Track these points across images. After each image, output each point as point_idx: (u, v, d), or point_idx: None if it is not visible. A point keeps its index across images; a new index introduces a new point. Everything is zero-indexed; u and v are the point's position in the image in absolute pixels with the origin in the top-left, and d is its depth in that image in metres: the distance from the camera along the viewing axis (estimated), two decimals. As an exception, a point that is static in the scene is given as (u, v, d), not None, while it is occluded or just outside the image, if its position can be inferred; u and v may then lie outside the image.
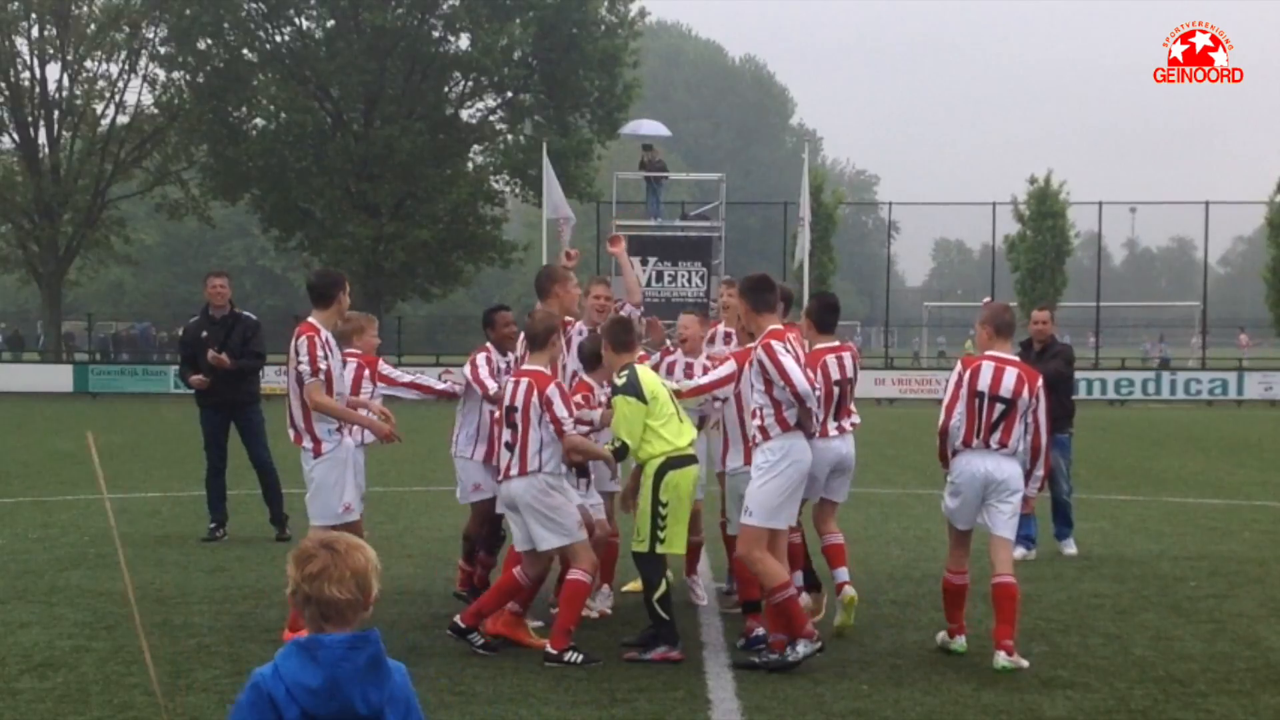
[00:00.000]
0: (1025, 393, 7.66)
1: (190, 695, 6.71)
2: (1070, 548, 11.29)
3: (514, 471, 7.60)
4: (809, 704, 6.63)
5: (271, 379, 12.31)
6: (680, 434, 7.63)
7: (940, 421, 7.87)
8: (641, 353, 8.18)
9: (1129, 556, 11.14)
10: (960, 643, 7.83)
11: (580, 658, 7.39)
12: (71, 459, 19.78)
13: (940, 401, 8.09)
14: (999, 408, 7.65)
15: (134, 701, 6.60)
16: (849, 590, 8.29)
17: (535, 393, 7.56)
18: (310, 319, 8.04)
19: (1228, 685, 7.01)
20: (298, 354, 7.86)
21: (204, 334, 11.96)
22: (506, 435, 7.68)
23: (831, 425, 8.23)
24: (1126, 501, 14.99)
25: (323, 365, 7.82)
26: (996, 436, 7.66)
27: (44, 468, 18.53)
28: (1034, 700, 6.71)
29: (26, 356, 53.09)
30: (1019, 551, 10.84)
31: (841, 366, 8.32)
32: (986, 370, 7.70)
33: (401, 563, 10.34)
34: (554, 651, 7.42)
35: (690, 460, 7.67)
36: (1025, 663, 7.40)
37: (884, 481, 16.52)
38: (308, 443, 7.94)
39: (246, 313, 12.18)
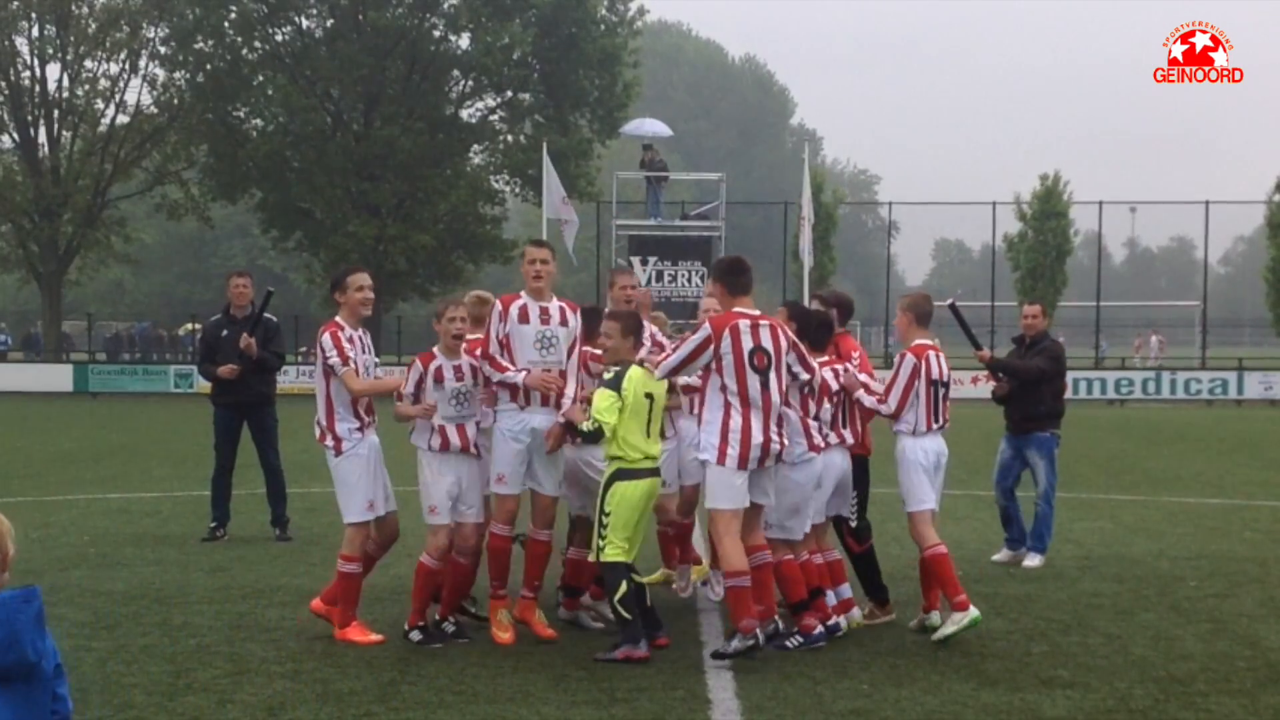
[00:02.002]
0: (949, 373, 8.50)
1: (190, 695, 6.71)
2: (1032, 561, 10.63)
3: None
4: (809, 704, 6.63)
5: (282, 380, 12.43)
6: (638, 447, 7.62)
7: (894, 408, 8.25)
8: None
9: (1129, 556, 11.13)
10: (975, 613, 7.89)
11: (419, 637, 7.87)
12: (72, 459, 19.80)
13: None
14: (942, 391, 8.38)
15: (134, 701, 6.60)
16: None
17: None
18: (336, 317, 8.32)
19: (1228, 685, 7.02)
20: (324, 350, 8.08)
21: (224, 333, 11.99)
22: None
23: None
24: (1126, 501, 14.99)
25: (350, 354, 8.06)
26: (941, 418, 8.38)
27: (44, 468, 18.53)
28: (1034, 700, 6.71)
29: (20, 356, 53.10)
30: (1036, 559, 10.74)
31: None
32: (933, 359, 8.33)
33: (402, 562, 10.32)
34: (407, 627, 7.98)
35: (644, 474, 7.65)
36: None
37: (886, 481, 16.50)
38: (329, 441, 8.14)
39: (269, 315, 12.11)
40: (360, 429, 8.12)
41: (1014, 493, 11.03)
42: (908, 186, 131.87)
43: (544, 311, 8.01)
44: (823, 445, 8.07)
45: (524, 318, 7.96)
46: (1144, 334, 59.08)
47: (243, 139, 45.43)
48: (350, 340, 8.11)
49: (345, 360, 8.03)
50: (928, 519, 8.22)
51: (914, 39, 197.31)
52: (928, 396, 8.26)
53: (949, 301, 10.47)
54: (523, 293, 8.10)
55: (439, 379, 7.98)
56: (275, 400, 12.41)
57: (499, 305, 8.04)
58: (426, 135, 44.06)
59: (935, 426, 8.31)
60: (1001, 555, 10.91)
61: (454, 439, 8.00)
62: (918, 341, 8.40)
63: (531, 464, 8.00)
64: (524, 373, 7.84)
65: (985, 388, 12.55)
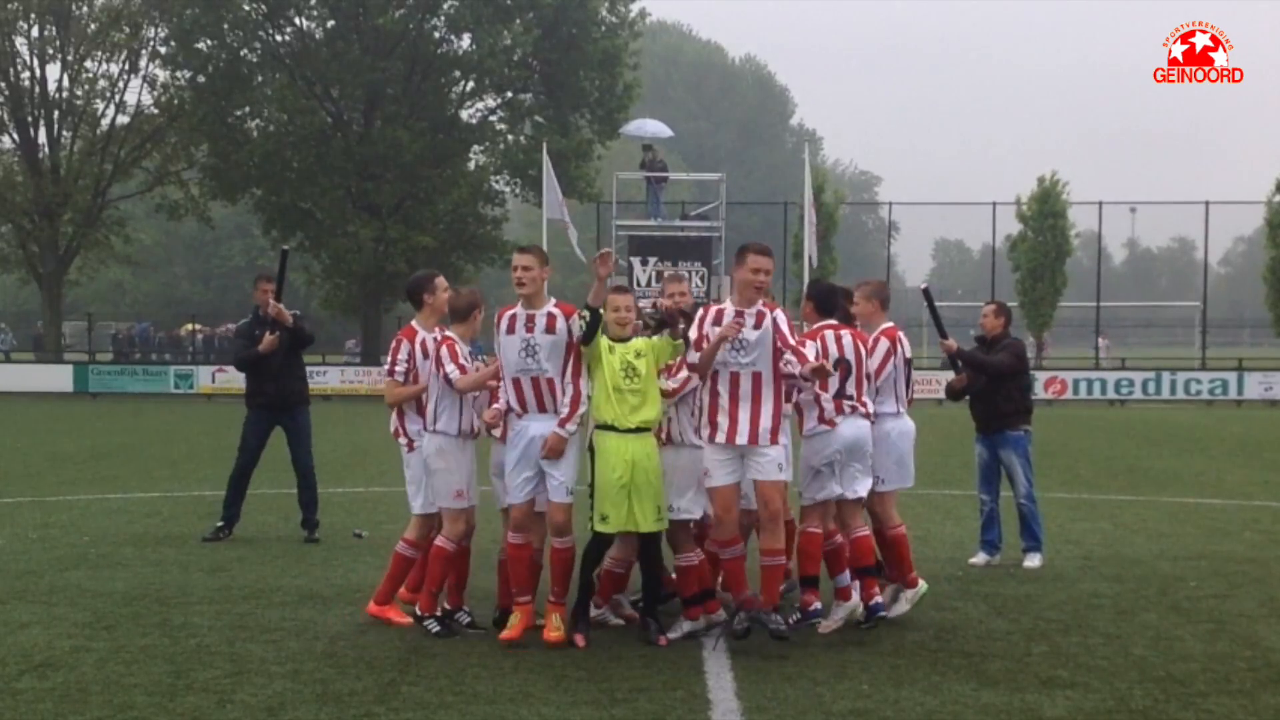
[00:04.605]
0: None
1: (190, 696, 6.71)
2: (1032, 561, 10.65)
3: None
4: (809, 704, 6.63)
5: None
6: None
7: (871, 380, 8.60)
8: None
9: (1129, 556, 11.13)
10: (924, 585, 8.60)
11: (438, 628, 8.05)
12: (71, 459, 19.81)
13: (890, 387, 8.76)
14: (909, 370, 8.90)
15: (134, 702, 6.60)
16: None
17: (435, 352, 8.24)
18: (412, 322, 8.83)
19: (1228, 685, 7.01)
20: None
21: (256, 333, 11.94)
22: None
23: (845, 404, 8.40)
24: (1126, 501, 14.99)
25: (400, 367, 8.60)
26: (910, 396, 8.94)
27: (44, 468, 18.54)
28: (1034, 700, 6.71)
29: (25, 356, 53.14)
30: (1036, 559, 10.72)
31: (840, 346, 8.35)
32: (902, 339, 8.80)
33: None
34: (419, 613, 8.21)
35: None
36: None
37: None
38: (402, 439, 8.67)
39: (293, 310, 12.28)
40: (425, 428, 8.42)
41: (999, 493, 11.01)
42: (908, 187, 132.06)
43: (529, 319, 7.92)
44: (835, 420, 8.22)
45: (510, 328, 7.97)
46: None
47: (243, 139, 45.44)
48: (421, 345, 8.56)
49: (390, 371, 8.67)
50: (891, 500, 8.77)
51: (915, 39, 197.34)
52: (905, 376, 8.80)
53: (922, 287, 10.75)
54: (519, 301, 8.09)
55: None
56: (309, 401, 12.37)
57: (495, 317, 8.16)
58: (427, 136, 44.07)
59: (908, 406, 8.85)
60: (978, 559, 10.79)
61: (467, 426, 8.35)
62: (885, 325, 8.85)
63: (539, 472, 7.92)
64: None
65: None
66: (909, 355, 8.90)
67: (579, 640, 7.75)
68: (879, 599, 8.20)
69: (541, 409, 7.90)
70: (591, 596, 8.06)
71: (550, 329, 7.90)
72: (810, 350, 7.95)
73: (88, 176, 46.25)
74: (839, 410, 8.23)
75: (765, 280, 7.92)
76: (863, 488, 8.37)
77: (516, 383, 7.91)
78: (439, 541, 8.24)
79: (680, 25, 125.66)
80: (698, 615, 8.04)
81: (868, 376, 8.49)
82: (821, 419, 8.21)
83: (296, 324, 11.91)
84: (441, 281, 8.82)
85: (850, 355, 8.31)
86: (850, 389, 8.27)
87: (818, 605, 8.17)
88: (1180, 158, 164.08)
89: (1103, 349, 55.17)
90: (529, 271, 7.95)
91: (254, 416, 12.05)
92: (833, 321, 8.44)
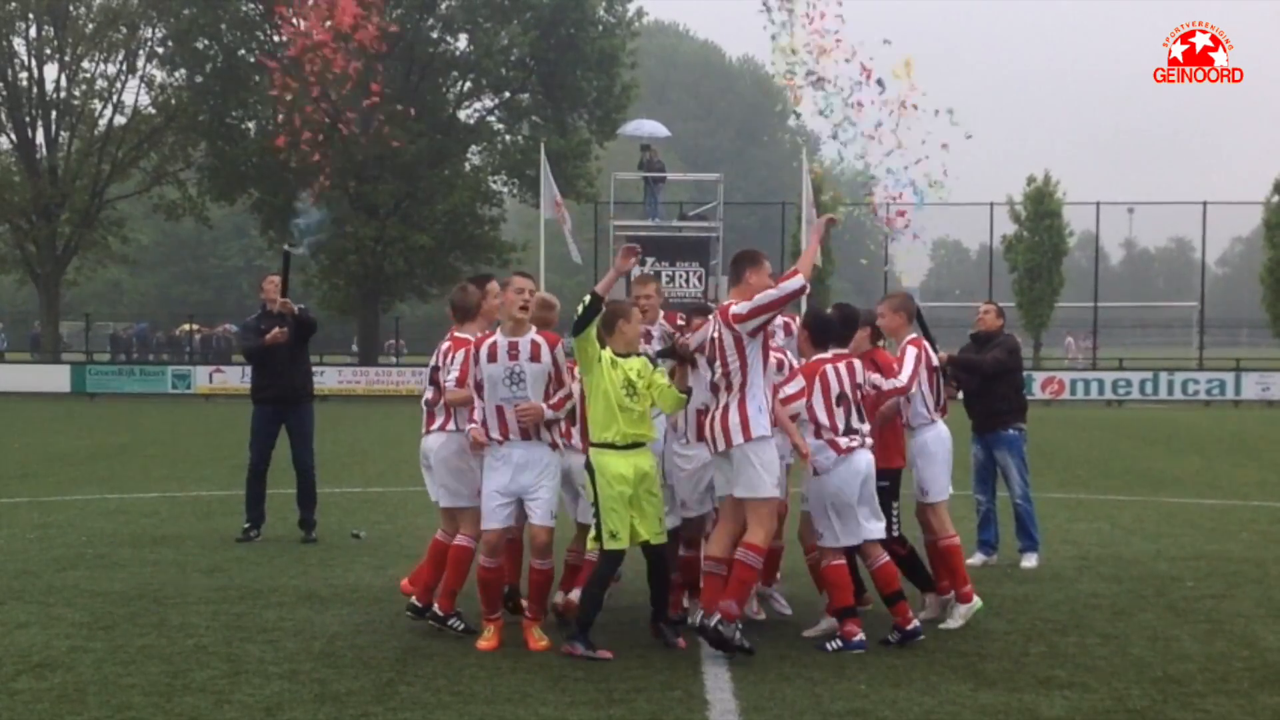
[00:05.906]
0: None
1: (188, 696, 6.71)
2: (1029, 561, 10.66)
3: (434, 427, 8.40)
4: (807, 704, 6.63)
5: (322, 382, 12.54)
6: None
7: (905, 381, 8.55)
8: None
9: (1126, 557, 11.14)
10: (978, 601, 8.49)
11: (462, 626, 8.07)
12: (69, 459, 19.80)
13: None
14: (938, 379, 9.01)
15: (132, 702, 6.59)
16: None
17: (449, 355, 8.24)
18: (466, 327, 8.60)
19: (1225, 685, 7.02)
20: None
21: (262, 327, 11.96)
22: (429, 394, 8.44)
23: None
24: (1124, 501, 15.00)
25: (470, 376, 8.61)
26: (943, 404, 9.08)
27: (41, 468, 18.52)
28: (1032, 700, 6.72)
29: (22, 357, 53.11)
30: (1033, 559, 10.75)
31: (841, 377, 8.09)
32: (928, 349, 8.87)
33: (400, 563, 10.36)
34: (440, 614, 8.16)
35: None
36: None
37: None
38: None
39: (300, 305, 12.32)
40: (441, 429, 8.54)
41: (995, 492, 11.02)
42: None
43: (512, 346, 7.84)
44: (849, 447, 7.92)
45: (492, 357, 7.86)
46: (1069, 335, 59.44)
47: (240, 139, 45.42)
48: (491, 346, 8.51)
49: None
50: (942, 507, 8.80)
51: (913, 39, 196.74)
52: (931, 385, 8.91)
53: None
54: (498, 329, 7.98)
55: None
56: (313, 397, 12.39)
57: (472, 347, 8.01)
58: (425, 136, 44.05)
59: (942, 415, 8.99)
60: (975, 559, 10.77)
61: None
62: (911, 336, 8.89)
63: (518, 500, 7.88)
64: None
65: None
66: (935, 363, 8.95)
67: (605, 655, 7.52)
68: (916, 624, 7.93)
69: (524, 435, 7.82)
70: (598, 613, 7.86)
71: (535, 357, 7.82)
72: (794, 386, 7.84)
73: (85, 177, 46.25)
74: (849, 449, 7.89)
75: None
76: (880, 528, 8.03)
77: (500, 410, 7.82)
78: (460, 541, 8.20)
79: (677, 25, 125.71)
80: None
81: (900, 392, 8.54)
82: (837, 450, 7.85)
83: (301, 314, 11.94)
84: (494, 286, 8.58)
85: (848, 389, 7.93)
86: (855, 423, 7.91)
87: (861, 636, 7.77)
88: (1179, 158, 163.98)
89: (1072, 349, 55.02)
90: (534, 295, 7.98)
91: (260, 412, 12.07)
92: (827, 355, 8.03)
